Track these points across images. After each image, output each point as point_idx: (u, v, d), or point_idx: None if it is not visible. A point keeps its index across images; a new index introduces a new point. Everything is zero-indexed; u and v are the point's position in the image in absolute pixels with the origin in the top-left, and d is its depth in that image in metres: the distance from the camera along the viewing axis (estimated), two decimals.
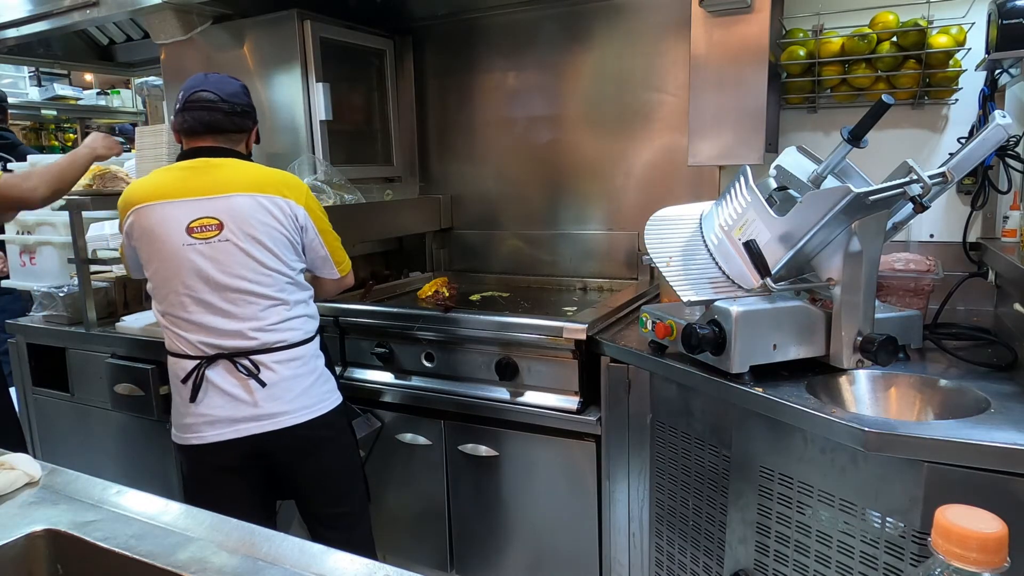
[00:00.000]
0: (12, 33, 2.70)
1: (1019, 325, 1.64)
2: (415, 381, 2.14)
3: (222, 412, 1.66)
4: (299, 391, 1.71)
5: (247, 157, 1.82)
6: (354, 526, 1.89)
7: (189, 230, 1.64)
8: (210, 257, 1.64)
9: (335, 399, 1.81)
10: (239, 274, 1.65)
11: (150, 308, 2.46)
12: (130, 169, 2.59)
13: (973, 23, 1.87)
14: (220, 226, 1.65)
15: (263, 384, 1.66)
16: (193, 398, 1.66)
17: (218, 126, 1.73)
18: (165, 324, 1.71)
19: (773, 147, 2.07)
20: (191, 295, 1.65)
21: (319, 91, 2.42)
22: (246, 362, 1.66)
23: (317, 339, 1.80)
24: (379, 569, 0.79)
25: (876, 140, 1.48)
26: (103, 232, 2.49)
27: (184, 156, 1.75)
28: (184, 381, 1.68)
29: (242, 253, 1.65)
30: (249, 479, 1.75)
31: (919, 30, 1.88)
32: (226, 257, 1.65)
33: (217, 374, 1.67)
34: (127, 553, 0.85)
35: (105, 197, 2.33)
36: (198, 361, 1.67)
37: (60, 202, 2.30)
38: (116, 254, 2.30)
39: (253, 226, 1.66)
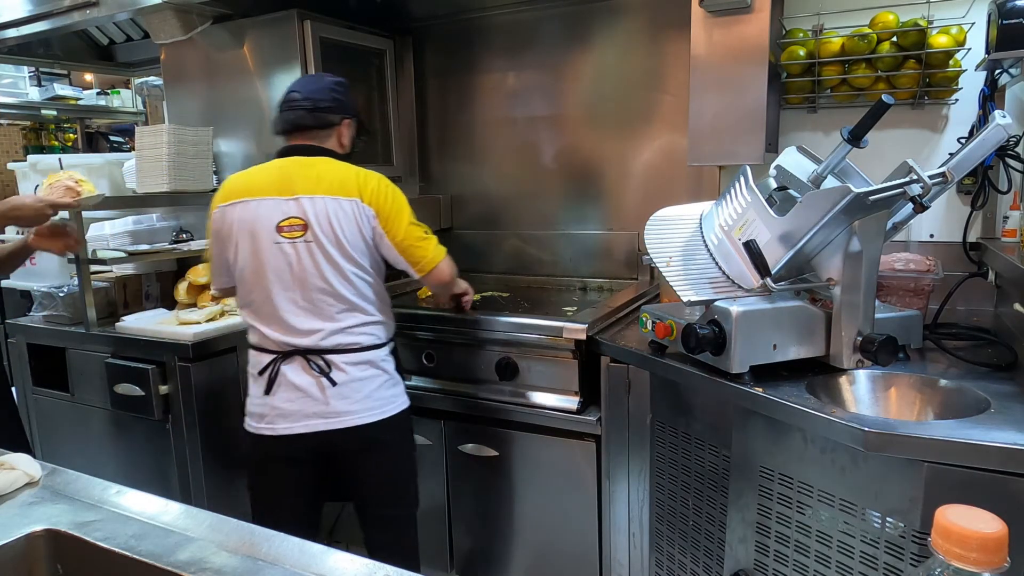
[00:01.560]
0: (12, 33, 2.70)
1: (1019, 325, 1.64)
2: (415, 381, 2.14)
3: (292, 406, 1.71)
4: (367, 392, 1.74)
5: (340, 154, 1.81)
6: (405, 530, 1.90)
7: (279, 229, 1.69)
8: (295, 256, 1.68)
9: (401, 403, 1.82)
10: (321, 274, 1.68)
11: (150, 308, 2.48)
12: (129, 169, 2.59)
13: (973, 23, 1.87)
14: (305, 227, 1.68)
15: (334, 383, 1.70)
16: (268, 391, 1.72)
17: (302, 123, 1.78)
18: (248, 318, 1.77)
19: (773, 147, 2.07)
20: (275, 292, 1.70)
21: None
22: (319, 360, 1.70)
23: (390, 345, 1.83)
24: (379, 569, 0.79)
25: (876, 140, 1.49)
26: (103, 232, 2.49)
27: (280, 154, 1.81)
28: (260, 374, 1.73)
29: (324, 255, 1.68)
30: (309, 472, 1.79)
31: (919, 30, 1.88)
32: (309, 258, 1.68)
33: (291, 370, 1.71)
34: (127, 553, 0.84)
35: (106, 199, 2.33)
36: (274, 356, 1.72)
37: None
38: (116, 254, 2.30)
39: (335, 229, 1.69)
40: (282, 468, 1.78)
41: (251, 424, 1.77)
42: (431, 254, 1.79)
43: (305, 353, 1.70)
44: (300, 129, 1.78)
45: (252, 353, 1.78)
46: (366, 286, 1.74)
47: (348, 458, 1.78)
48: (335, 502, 1.93)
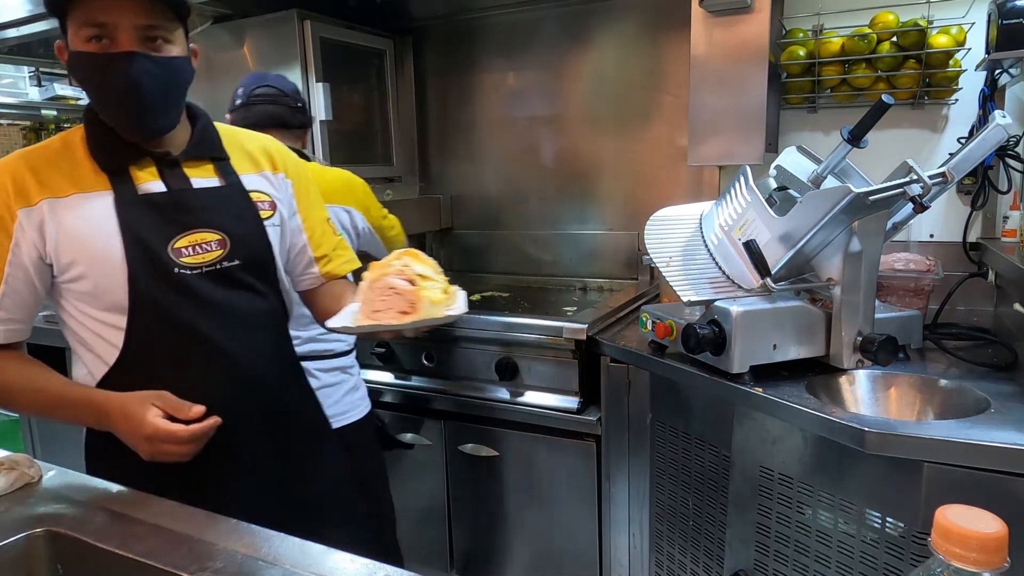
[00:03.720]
0: (12, 33, 2.69)
1: (1019, 325, 1.64)
2: (415, 381, 2.14)
3: None
4: (337, 397, 1.77)
5: (307, 157, 1.80)
6: (384, 527, 1.92)
7: None
8: None
9: (365, 407, 1.86)
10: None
11: None
12: None
13: (973, 23, 1.87)
14: None
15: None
16: None
17: (283, 120, 1.71)
18: None
19: (773, 147, 2.07)
20: None
21: (319, 91, 2.42)
22: None
23: (355, 352, 1.86)
24: (379, 569, 0.79)
25: (876, 140, 1.48)
26: None
27: None
28: None
29: None
30: None
31: (919, 30, 1.88)
32: None
33: None
34: (127, 553, 0.85)
35: None
36: None
37: None
38: None
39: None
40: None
41: None
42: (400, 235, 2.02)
43: None
44: (279, 125, 1.70)
45: None
46: None
47: None
48: None
